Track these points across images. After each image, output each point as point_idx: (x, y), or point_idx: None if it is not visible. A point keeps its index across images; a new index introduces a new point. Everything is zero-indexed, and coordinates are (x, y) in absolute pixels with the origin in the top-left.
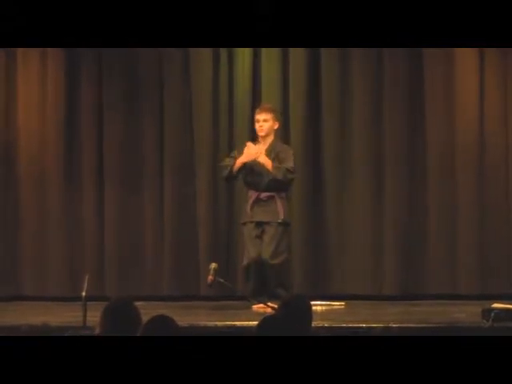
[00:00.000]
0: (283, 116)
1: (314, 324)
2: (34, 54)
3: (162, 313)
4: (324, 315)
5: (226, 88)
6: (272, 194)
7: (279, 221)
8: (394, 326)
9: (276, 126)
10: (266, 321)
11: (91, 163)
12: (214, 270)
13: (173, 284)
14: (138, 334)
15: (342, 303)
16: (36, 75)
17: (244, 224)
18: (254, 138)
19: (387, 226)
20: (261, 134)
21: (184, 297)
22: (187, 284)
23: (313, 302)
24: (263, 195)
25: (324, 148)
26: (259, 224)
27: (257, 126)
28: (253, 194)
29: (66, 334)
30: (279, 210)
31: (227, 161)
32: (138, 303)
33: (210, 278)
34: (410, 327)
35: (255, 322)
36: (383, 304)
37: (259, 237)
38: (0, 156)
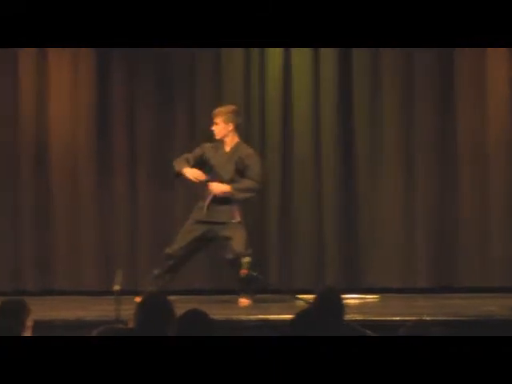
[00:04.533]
0: (315, 113)
1: (347, 317)
2: (65, 53)
3: (195, 307)
4: (357, 308)
5: (258, 88)
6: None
7: (233, 221)
8: (428, 318)
9: (231, 128)
10: (300, 315)
11: (123, 160)
12: (247, 263)
13: (206, 278)
14: (172, 329)
15: (376, 296)
16: (67, 75)
17: (196, 221)
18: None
19: (419, 219)
20: (217, 137)
21: (217, 291)
22: (220, 278)
23: (346, 296)
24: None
25: (354, 140)
26: (212, 224)
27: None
28: (210, 193)
29: (96, 331)
30: (234, 210)
31: (180, 163)
32: (171, 297)
33: (243, 271)
34: (442, 320)
35: (289, 316)
36: (416, 297)
37: (209, 240)
38: (32, 152)
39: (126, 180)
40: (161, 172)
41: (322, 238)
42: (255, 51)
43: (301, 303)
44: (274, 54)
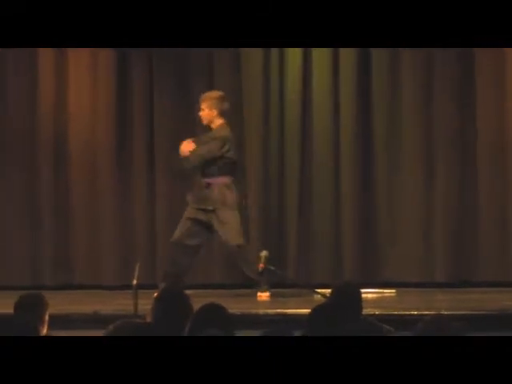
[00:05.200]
0: (335, 112)
1: (364, 312)
2: (84, 52)
3: (212, 301)
4: (375, 303)
5: (277, 87)
6: (210, 180)
7: (210, 208)
8: (446, 313)
9: (215, 113)
10: (316, 309)
11: (142, 159)
12: (265, 257)
13: (224, 272)
14: (189, 323)
15: (393, 291)
16: (87, 74)
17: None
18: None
19: (438, 213)
20: (203, 123)
21: (235, 285)
22: (238, 272)
23: (363, 290)
24: (205, 181)
25: (374, 139)
26: (204, 210)
27: None
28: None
29: (113, 326)
30: (217, 196)
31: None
32: (188, 292)
33: (261, 265)
34: (461, 314)
35: (306, 310)
36: (434, 291)
37: (209, 226)
38: (52, 151)
39: (144, 177)
40: (179, 169)
41: (341, 236)
42: (274, 51)
43: (318, 297)
44: (294, 54)
